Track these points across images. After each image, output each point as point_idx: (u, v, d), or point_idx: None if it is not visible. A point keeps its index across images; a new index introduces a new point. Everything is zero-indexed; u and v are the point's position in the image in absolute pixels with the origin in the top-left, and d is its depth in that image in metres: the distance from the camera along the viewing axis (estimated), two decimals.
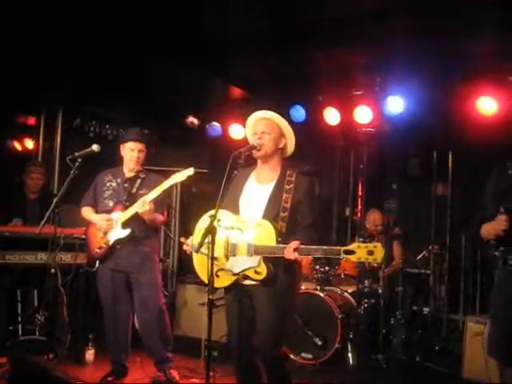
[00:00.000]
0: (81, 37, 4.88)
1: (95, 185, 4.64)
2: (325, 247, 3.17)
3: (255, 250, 3.30)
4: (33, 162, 6.21)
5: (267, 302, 3.36)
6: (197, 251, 3.29)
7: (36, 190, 5.73)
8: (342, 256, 3.11)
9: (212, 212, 3.25)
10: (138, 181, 4.54)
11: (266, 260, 3.28)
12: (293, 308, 3.70)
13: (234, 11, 4.60)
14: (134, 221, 4.37)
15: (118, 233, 4.39)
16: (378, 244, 3.08)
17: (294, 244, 3.17)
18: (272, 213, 3.39)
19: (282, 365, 3.53)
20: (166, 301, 4.87)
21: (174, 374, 4.62)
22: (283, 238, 3.31)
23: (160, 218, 4.53)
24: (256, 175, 3.58)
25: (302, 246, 3.18)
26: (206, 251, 3.18)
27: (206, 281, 3.20)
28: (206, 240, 3.14)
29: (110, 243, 4.40)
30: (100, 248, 4.44)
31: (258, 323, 3.42)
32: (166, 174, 4.49)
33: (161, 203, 4.49)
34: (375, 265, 5.53)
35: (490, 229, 3.25)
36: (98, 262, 4.48)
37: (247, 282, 3.40)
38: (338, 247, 3.14)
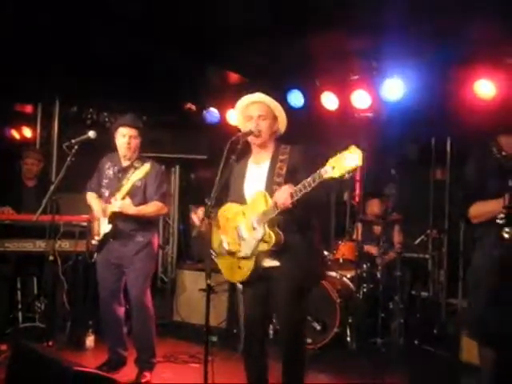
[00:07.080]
0: (77, 27, 4.86)
1: (98, 170, 4.52)
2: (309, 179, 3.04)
3: (257, 221, 3.26)
4: (27, 147, 6.19)
5: (284, 278, 3.27)
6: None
7: (31, 175, 5.60)
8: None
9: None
10: (131, 171, 4.29)
11: (271, 226, 3.22)
12: (312, 282, 3.50)
13: None
14: (121, 215, 4.24)
15: (105, 227, 4.30)
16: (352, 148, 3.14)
17: (284, 189, 3.14)
18: (271, 184, 3.34)
19: (299, 346, 3.40)
20: (164, 286, 4.71)
21: (145, 378, 4.34)
22: None
23: (148, 209, 4.31)
24: (253, 159, 3.53)
25: (291, 189, 3.11)
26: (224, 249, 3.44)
27: (233, 279, 3.50)
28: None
29: (101, 236, 4.33)
30: (95, 240, 4.37)
31: (274, 299, 3.35)
32: (164, 161, 4.43)
33: (155, 192, 4.32)
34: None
35: (495, 207, 3.15)
36: (95, 254, 4.40)
37: (266, 264, 3.35)
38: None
